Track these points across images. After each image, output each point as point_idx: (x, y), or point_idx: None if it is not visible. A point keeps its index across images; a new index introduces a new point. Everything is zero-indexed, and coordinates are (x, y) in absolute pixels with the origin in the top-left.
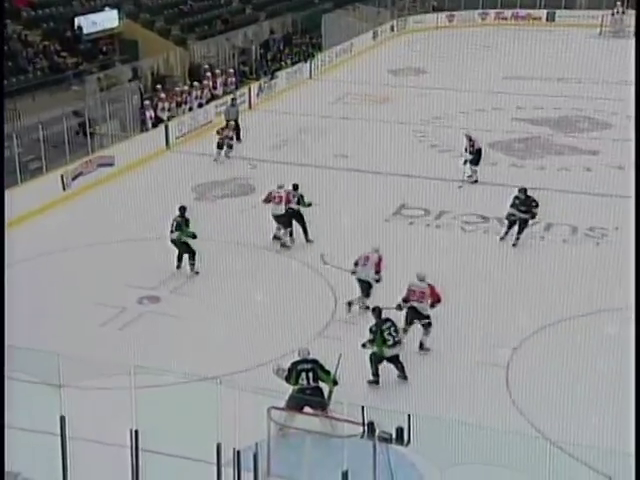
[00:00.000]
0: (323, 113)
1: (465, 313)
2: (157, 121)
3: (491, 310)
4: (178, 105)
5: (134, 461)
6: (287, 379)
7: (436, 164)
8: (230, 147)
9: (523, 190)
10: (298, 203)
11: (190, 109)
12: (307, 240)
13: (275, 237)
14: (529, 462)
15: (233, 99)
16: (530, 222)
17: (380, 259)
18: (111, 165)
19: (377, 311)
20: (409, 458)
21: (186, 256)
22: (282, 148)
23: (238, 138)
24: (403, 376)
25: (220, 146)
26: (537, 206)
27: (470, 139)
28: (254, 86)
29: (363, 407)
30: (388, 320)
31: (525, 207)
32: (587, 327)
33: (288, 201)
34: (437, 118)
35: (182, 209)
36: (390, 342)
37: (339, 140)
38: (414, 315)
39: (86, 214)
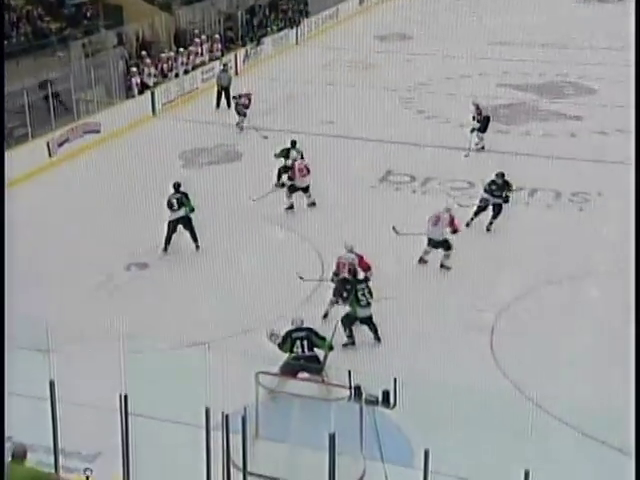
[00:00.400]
0: (309, 79)
1: (450, 278)
2: (143, 87)
3: (476, 274)
4: (164, 71)
5: (124, 425)
6: (280, 346)
7: (423, 130)
8: (244, 115)
9: (501, 175)
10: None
11: (176, 75)
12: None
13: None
14: (513, 423)
15: (224, 65)
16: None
17: (452, 218)
18: (97, 132)
19: (352, 271)
20: (395, 421)
21: (185, 235)
22: (269, 114)
23: (229, 105)
24: (377, 337)
25: (240, 113)
26: (511, 190)
27: (477, 107)
28: (240, 52)
29: (350, 371)
30: (363, 281)
31: (501, 192)
32: (570, 291)
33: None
34: (423, 84)
35: (177, 185)
36: (363, 302)
37: (325, 106)
38: (343, 287)
39: (72, 181)
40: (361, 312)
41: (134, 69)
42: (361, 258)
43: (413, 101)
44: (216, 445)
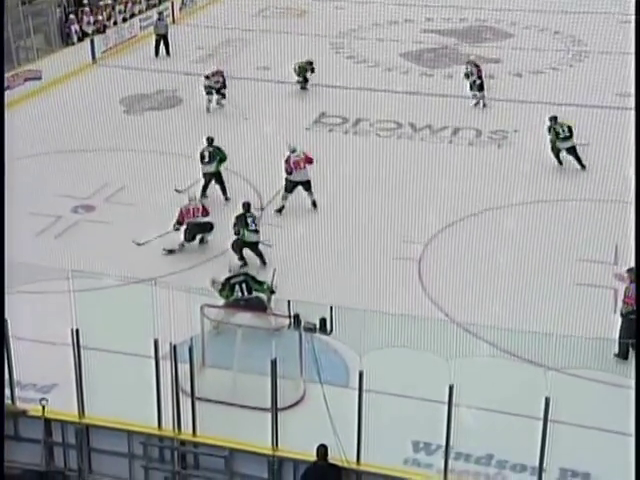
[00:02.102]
0: (245, 26)
1: (379, 213)
2: (82, 35)
3: (403, 209)
4: (102, 20)
5: (76, 358)
6: (220, 292)
7: (353, 75)
8: (223, 95)
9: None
10: None
11: (115, 23)
12: None
13: None
14: (440, 343)
15: (160, 14)
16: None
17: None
18: (38, 79)
19: (246, 205)
20: (332, 345)
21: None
22: (207, 61)
23: (168, 53)
24: (263, 262)
25: (209, 92)
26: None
27: (476, 65)
28: (177, 0)
29: (289, 301)
30: (249, 211)
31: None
32: (489, 222)
33: None
34: (352, 30)
35: (210, 140)
36: (252, 227)
37: (261, 53)
38: (294, 185)
39: (15, 127)
40: (249, 236)
41: (72, 17)
42: (305, 155)
43: (343, 47)
44: (165, 374)
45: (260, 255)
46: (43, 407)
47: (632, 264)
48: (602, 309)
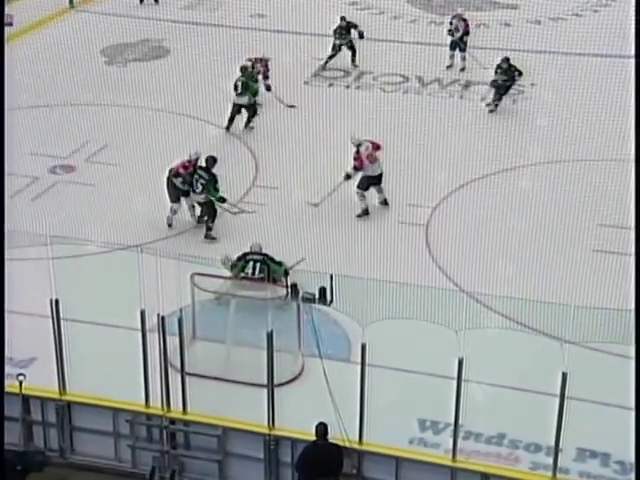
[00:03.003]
0: None
1: (383, 174)
2: None
3: (409, 170)
4: None
5: (56, 330)
6: (232, 267)
7: (356, 22)
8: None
9: (506, 60)
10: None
11: None
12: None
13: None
14: (448, 314)
15: None
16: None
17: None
18: (9, 25)
19: (212, 160)
20: (333, 316)
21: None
22: (195, 8)
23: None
24: (198, 221)
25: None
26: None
27: (463, 19)
28: None
29: (286, 270)
30: (204, 169)
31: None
32: (503, 184)
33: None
34: None
35: (243, 68)
36: (198, 190)
37: None
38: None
39: None
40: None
41: None
42: (374, 144)
43: None
44: (153, 348)
45: (202, 216)
46: (20, 383)
47: None
48: (623, 278)
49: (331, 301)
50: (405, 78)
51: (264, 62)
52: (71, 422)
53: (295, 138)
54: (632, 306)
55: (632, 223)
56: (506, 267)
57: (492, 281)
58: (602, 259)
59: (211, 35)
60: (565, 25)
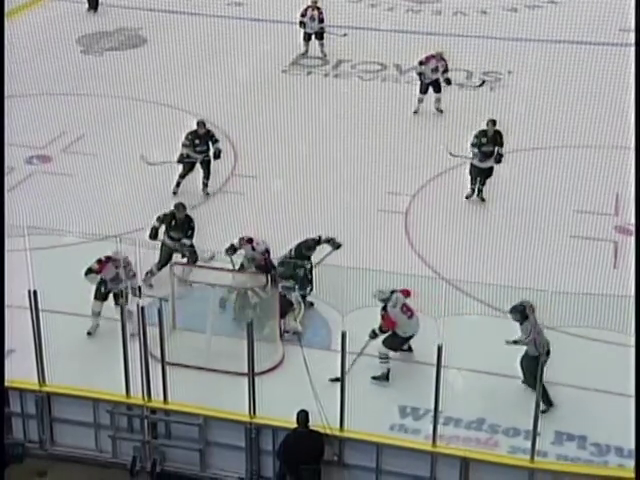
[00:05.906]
0: None
1: (362, 162)
2: None
3: (388, 158)
4: None
5: (34, 322)
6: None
7: (333, 11)
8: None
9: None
10: None
11: None
12: None
13: None
14: (428, 301)
15: None
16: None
17: None
18: None
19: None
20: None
21: None
22: None
23: None
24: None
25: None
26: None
27: (443, 59)
28: None
29: (266, 259)
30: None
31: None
32: None
33: None
34: None
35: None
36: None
37: None
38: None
39: None
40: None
41: None
42: None
43: None
44: (132, 338)
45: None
46: None
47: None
48: (601, 264)
49: (311, 289)
50: (383, 66)
51: (317, 9)
52: (51, 413)
53: (274, 126)
54: (610, 291)
55: (612, 209)
56: (485, 254)
57: (471, 268)
58: (579, 245)
59: (188, 24)
60: (541, 12)
